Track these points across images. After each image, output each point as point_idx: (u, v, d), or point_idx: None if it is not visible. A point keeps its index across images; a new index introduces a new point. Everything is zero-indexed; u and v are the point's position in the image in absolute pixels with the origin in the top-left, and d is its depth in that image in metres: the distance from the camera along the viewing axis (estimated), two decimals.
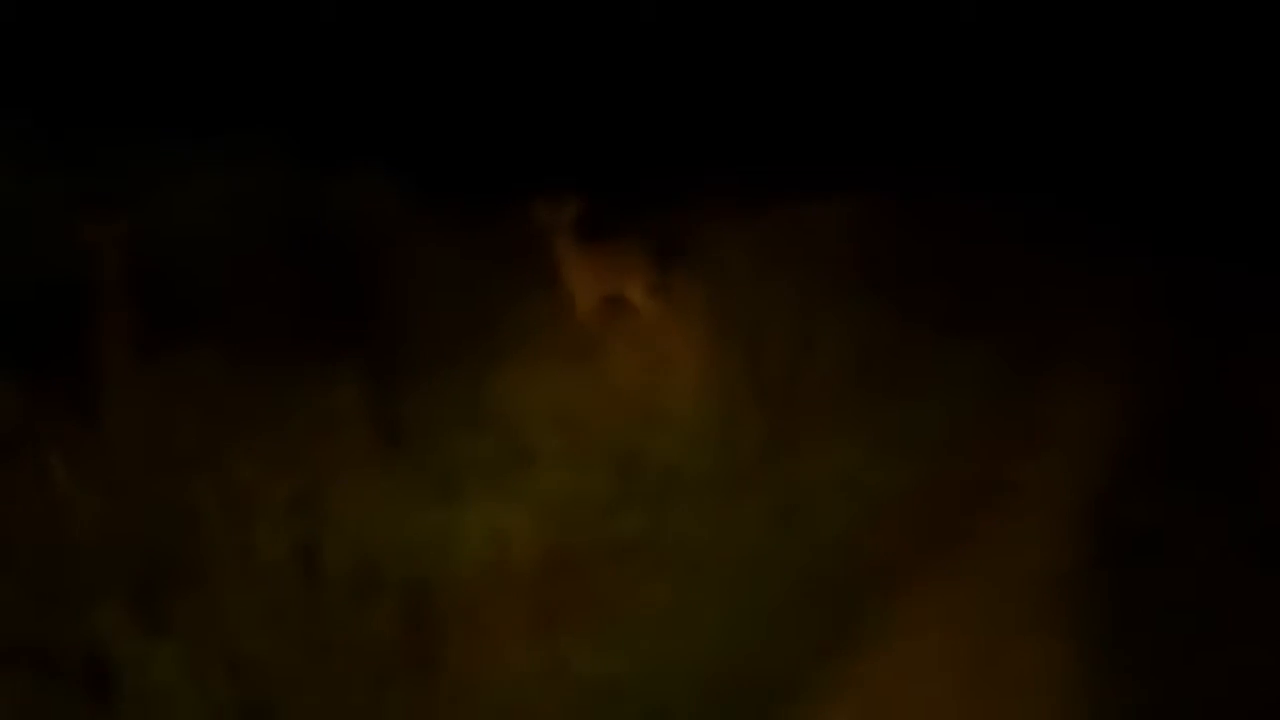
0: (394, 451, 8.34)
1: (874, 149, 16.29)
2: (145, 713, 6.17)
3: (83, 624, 6.25)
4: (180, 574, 6.71)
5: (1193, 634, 7.39)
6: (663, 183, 13.48)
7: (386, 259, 11.91)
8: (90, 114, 11.84)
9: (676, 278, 11.12)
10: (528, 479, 8.39)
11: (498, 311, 10.96)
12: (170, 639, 6.29)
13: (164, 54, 13.71)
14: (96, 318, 9.16)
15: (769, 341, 10.68)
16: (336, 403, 8.48)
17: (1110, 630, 7.49)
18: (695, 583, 7.76)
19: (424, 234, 12.42)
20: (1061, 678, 7.08)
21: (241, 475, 7.39)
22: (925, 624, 7.68)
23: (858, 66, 18.98)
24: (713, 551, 8.11)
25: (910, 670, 7.18)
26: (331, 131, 13.64)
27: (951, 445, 10.27)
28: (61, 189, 10.97)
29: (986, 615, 7.81)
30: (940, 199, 15.12)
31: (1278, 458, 9.65)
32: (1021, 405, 11.45)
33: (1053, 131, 19.58)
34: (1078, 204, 17.21)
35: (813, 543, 8.40)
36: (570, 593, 7.36)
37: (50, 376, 8.35)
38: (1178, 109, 20.42)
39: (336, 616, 6.73)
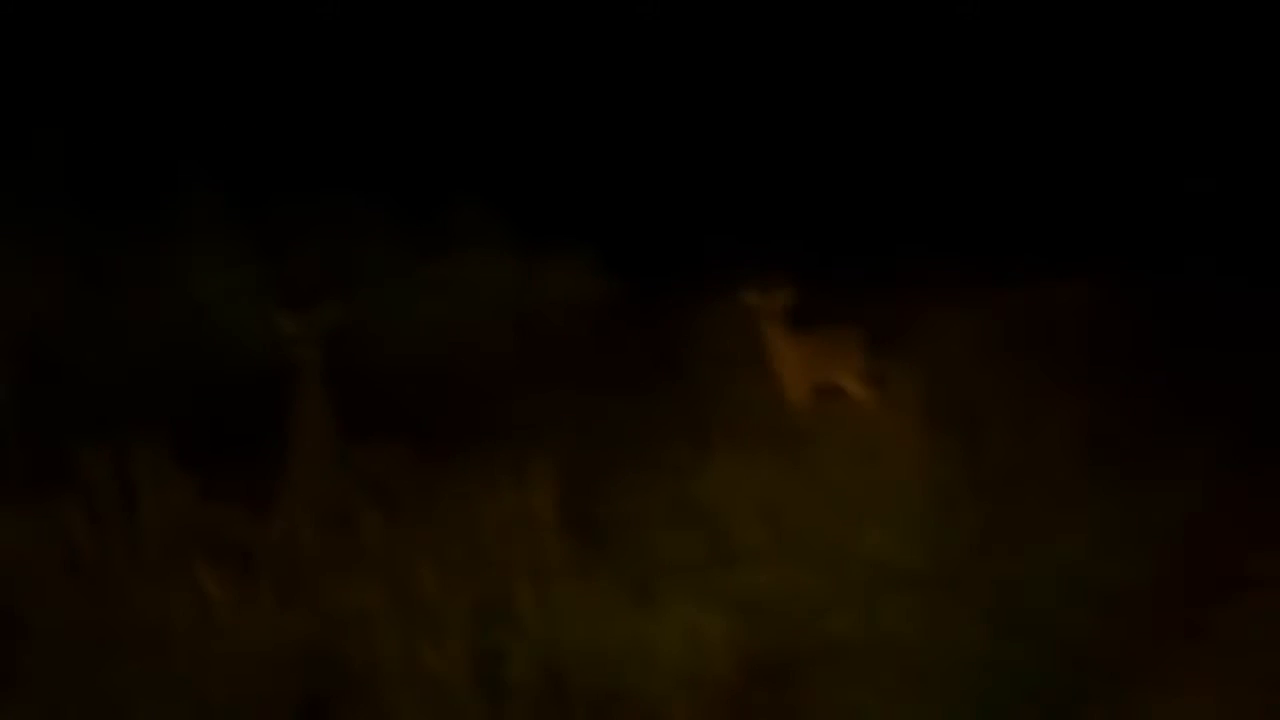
0: (588, 553, 8.10)
1: (1099, 232, 15.85)
2: None
3: None
4: (348, 688, 6.46)
5: None
6: (876, 268, 13.30)
7: (593, 347, 11.78)
8: (291, 199, 11.79)
9: (890, 365, 10.83)
10: (731, 579, 8.14)
11: (706, 401, 10.77)
12: None
13: (370, 139, 13.69)
14: (289, 412, 9.01)
15: (988, 431, 10.37)
16: (529, 502, 8.25)
17: None
18: (907, 688, 7.36)
19: (632, 321, 12.30)
20: None
21: (422, 580, 7.16)
22: None
23: (1082, 151, 18.56)
24: (926, 654, 7.70)
25: None
26: (540, 217, 13.51)
27: (1185, 537, 9.74)
28: (261, 276, 10.95)
29: None
30: (1168, 280, 14.57)
31: None
32: (1260, 492, 10.87)
33: None
34: None
35: (1034, 644, 7.94)
36: (772, 702, 7.01)
37: (227, 472, 8.19)
38: None
39: None
